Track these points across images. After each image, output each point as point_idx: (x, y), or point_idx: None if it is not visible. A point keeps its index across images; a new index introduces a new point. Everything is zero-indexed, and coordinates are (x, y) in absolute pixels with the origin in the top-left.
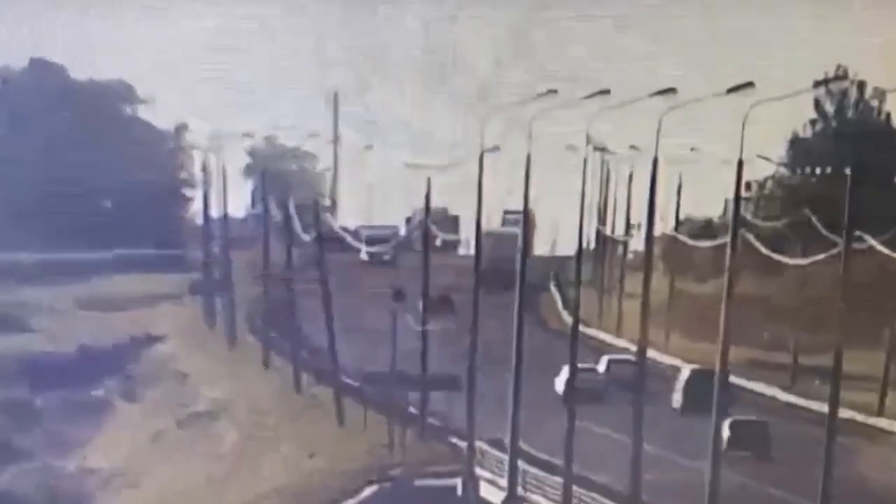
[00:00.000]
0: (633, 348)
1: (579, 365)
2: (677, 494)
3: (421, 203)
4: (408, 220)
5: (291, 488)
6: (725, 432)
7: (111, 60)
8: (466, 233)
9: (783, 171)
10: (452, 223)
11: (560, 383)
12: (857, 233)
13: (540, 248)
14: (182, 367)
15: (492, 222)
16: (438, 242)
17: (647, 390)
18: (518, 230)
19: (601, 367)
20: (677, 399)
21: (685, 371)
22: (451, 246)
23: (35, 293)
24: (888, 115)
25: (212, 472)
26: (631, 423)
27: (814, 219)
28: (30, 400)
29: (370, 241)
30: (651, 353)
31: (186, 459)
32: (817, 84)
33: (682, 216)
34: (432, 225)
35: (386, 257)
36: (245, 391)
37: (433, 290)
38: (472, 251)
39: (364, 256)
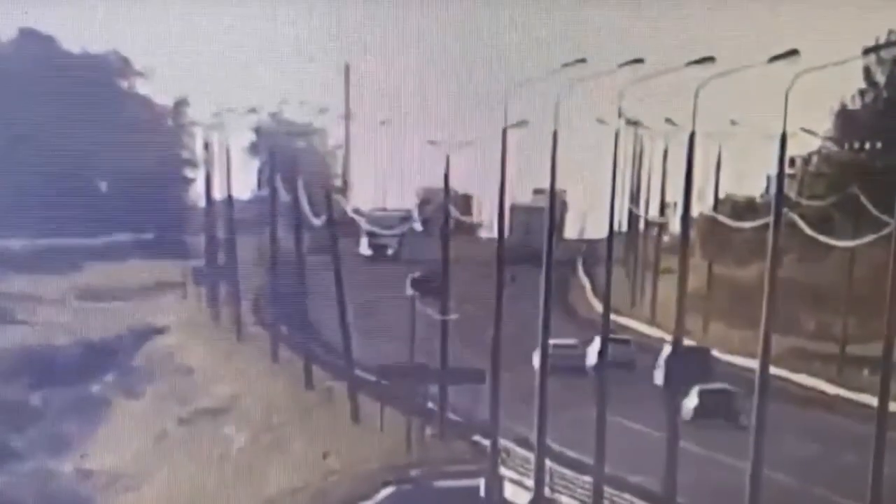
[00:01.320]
0: (669, 338)
1: (558, 341)
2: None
3: (430, 184)
4: (421, 206)
5: (303, 490)
6: (693, 401)
7: (106, 31)
8: (483, 215)
9: (830, 145)
10: (464, 204)
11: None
12: None
13: (569, 230)
14: (185, 361)
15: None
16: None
17: (637, 367)
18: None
19: (594, 347)
20: (659, 375)
21: (666, 348)
22: (467, 228)
23: (26, 283)
24: None
25: (218, 473)
26: (620, 402)
27: (863, 197)
28: (23, 397)
29: (372, 233)
30: (639, 328)
31: (191, 460)
32: (867, 51)
33: (721, 195)
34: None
35: (390, 252)
36: (253, 387)
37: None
38: (496, 233)
39: (365, 251)
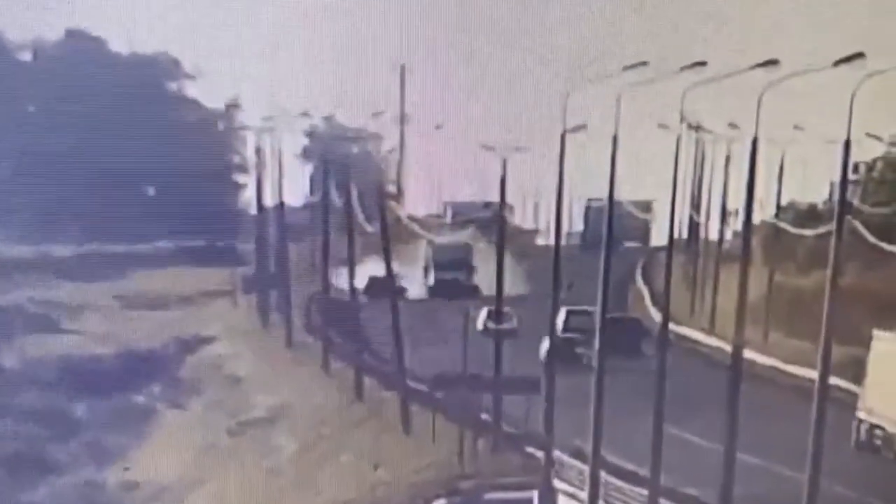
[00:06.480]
0: (728, 348)
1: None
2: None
3: (459, 197)
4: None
5: (353, 502)
6: (546, 345)
7: (155, 32)
8: (540, 221)
9: (895, 151)
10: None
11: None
12: None
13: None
14: (234, 370)
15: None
16: None
17: None
18: (633, 209)
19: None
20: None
21: (562, 313)
22: (521, 236)
23: (71, 290)
24: None
25: (267, 485)
26: None
27: None
28: (66, 407)
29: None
30: (698, 337)
31: (239, 472)
32: None
33: (783, 202)
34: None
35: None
36: (303, 397)
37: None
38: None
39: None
